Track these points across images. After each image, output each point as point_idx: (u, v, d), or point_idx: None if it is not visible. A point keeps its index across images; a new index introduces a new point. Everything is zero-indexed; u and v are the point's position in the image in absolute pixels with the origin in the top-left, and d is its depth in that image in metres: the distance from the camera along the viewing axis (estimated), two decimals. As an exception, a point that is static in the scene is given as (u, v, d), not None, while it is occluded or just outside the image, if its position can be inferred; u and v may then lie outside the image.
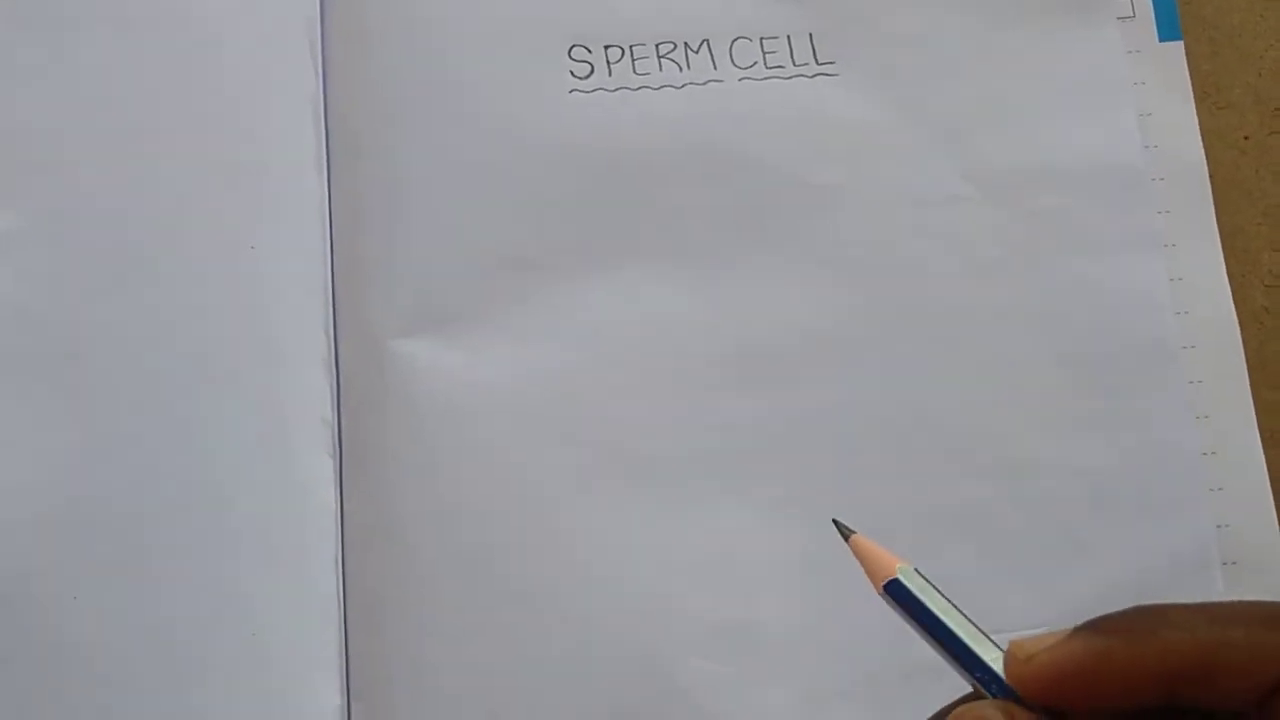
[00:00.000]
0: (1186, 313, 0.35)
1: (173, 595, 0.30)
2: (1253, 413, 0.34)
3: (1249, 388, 0.35)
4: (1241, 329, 0.35)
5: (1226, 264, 0.35)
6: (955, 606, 0.24)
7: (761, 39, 0.36)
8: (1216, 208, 0.36)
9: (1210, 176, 0.36)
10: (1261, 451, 0.34)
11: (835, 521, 0.25)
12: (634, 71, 0.35)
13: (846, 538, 0.25)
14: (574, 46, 0.35)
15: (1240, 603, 0.23)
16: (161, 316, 0.32)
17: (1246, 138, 0.37)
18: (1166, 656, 0.22)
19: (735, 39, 0.36)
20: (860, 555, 0.24)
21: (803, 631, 0.32)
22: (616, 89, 0.35)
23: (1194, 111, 0.36)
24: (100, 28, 0.34)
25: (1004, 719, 0.22)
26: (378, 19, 0.35)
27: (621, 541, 0.32)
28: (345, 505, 0.32)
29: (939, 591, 0.24)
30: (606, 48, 0.35)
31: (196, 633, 0.30)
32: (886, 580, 0.24)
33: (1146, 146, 0.36)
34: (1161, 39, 0.37)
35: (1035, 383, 0.34)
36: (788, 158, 0.35)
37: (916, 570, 0.24)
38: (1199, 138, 0.36)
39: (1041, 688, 0.23)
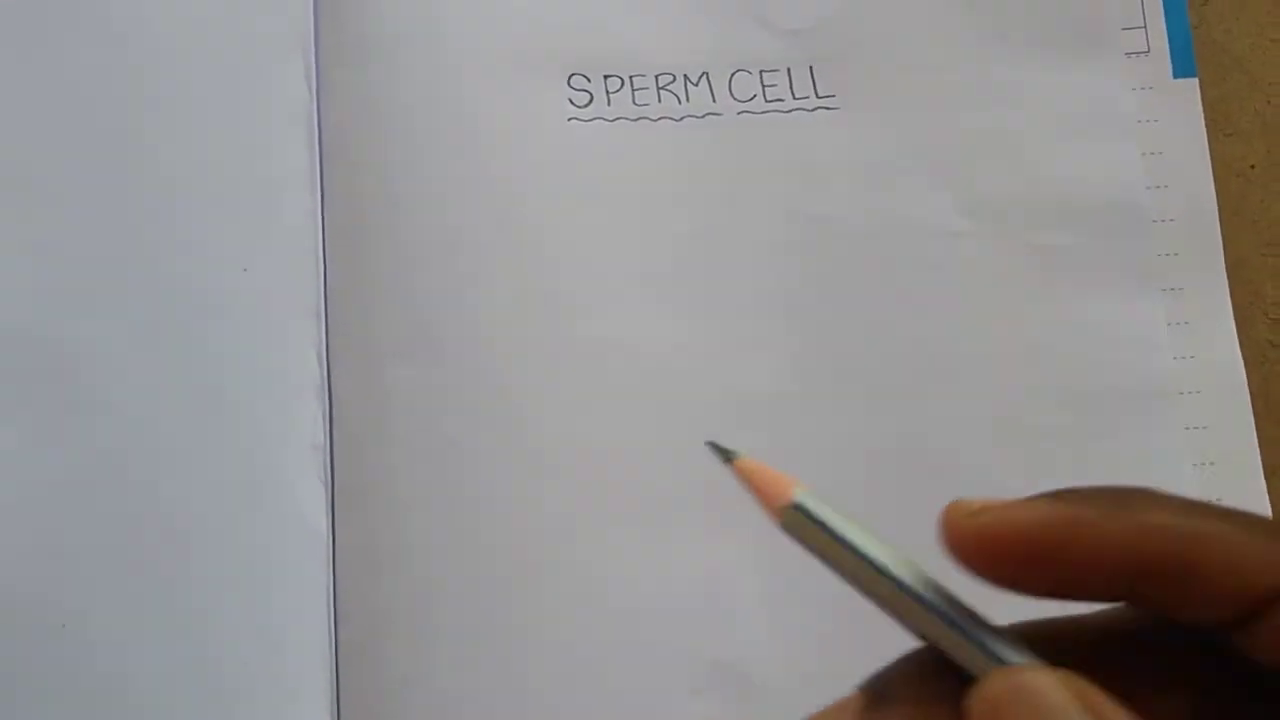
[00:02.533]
0: (1192, 357, 0.34)
1: (161, 621, 0.31)
2: (1259, 460, 0.34)
3: (1255, 434, 0.34)
4: (1245, 363, 0.34)
5: (1231, 296, 0.35)
6: (863, 530, 0.19)
7: (761, 72, 0.35)
8: (1221, 237, 0.35)
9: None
10: (1268, 499, 0.34)
11: (712, 444, 0.20)
12: (633, 102, 0.35)
13: (729, 461, 0.20)
14: (574, 75, 0.35)
15: (1236, 510, 0.19)
16: (151, 339, 0.33)
17: (1253, 166, 0.36)
18: (1145, 537, 0.18)
19: (735, 72, 0.35)
20: (749, 481, 0.20)
21: (801, 671, 0.32)
22: (615, 119, 0.35)
23: (1207, 151, 0.35)
24: (87, 43, 0.35)
25: (1057, 686, 0.17)
26: (373, 40, 0.35)
27: (616, 575, 0.32)
28: (337, 532, 0.32)
29: (839, 516, 0.19)
30: (606, 77, 0.35)
31: (184, 660, 0.31)
32: (785, 506, 0.19)
33: (1153, 187, 0.35)
34: (1176, 76, 0.36)
35: (1030, 420, 0.33)
36: (784, 191, 0.35)
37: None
38: (1211, 179, 0.35)
39: (985, 551, 0.19)
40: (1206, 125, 0.36)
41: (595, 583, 0.32)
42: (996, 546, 0.19)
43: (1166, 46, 0.36)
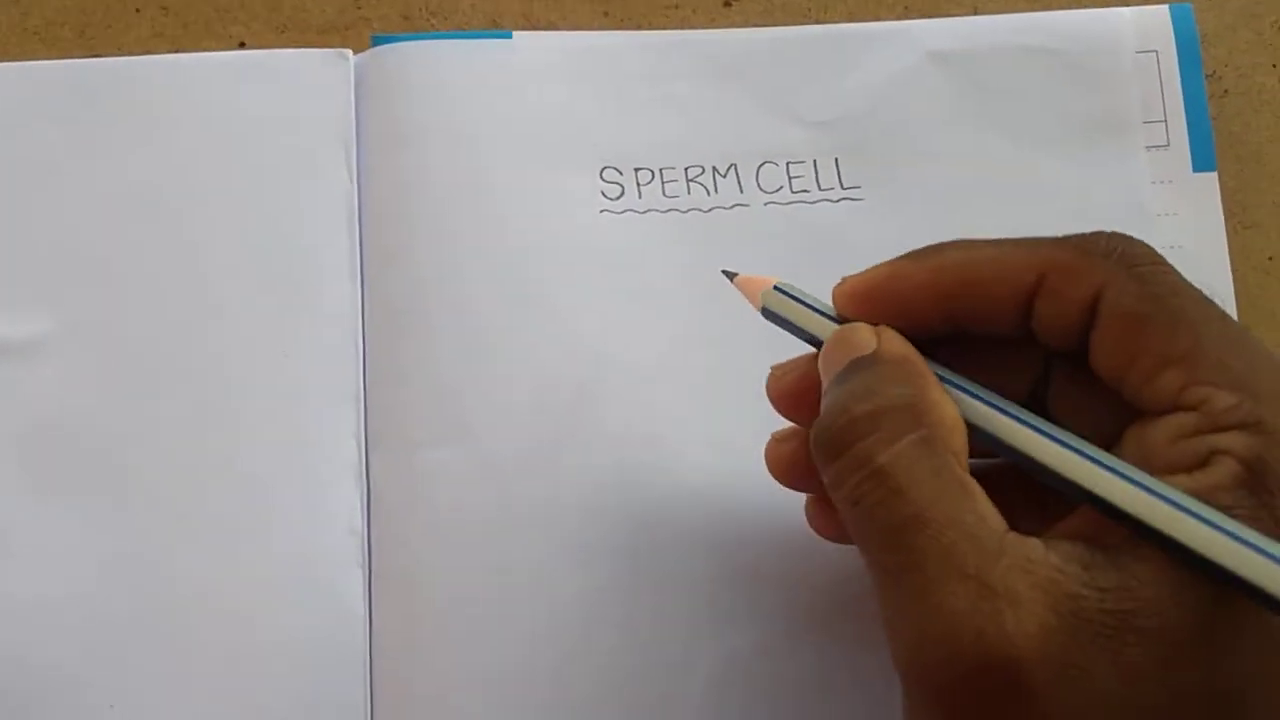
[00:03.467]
0: (1207, 448, 0.35)
1: (204, 704, 0.32)
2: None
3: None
4: (1263, 456, 0.35)
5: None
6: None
7: (788, 164, 0.36)
8: (1239, 331, 0.36)
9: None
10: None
11: (724, 271, 0.30)
12: (663, 194, 0.36)
13: (731, 279, 0.30)
14: (605, 168, 0.36)
15: (1032, 238, 0.26)
16: (192, 424, 0.34)
17: (1271, 258, 0.37)
18: (940, 271, 0.26)
19: (762, 164, 0.36)
20: (740, 287, 0.30)
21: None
22: (645, 210, 0.36)
23: (1225, 245, 0.36)
24: (131, 131, 0.36)
25: (870, 329, 0.26)
26: (413, 129, 0.36)
27: (654, 661, 0.32)
28: (374, 616, 0.33)
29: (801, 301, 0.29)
30: (637, 170, 0.36)
31: (226, 743, 0.32)
32: (765, 291, 0.29)
33: (1171, 280, 0.36)
34: (1196, 169, 0.36)
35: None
36: (810, 280, 0.35)
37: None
38: (1230, 273, 0.36)
39: (847, 301, 0.27)
40: (1225, 218, 0.36)
41: (637, 670, 0.32)
42: (851, 299, 0.27)
43: (1187, 140, 0.36)
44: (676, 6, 0.38)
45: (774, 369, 0.29)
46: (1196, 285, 0.36)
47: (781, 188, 0.36)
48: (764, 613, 0.33)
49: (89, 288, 0.35)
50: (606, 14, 0.38)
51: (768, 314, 0.29)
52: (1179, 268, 0.36)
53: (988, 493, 0.25)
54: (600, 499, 0.33)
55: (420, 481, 0.34)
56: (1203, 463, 0.23)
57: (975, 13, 0.38)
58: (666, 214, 0.36)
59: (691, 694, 0.32)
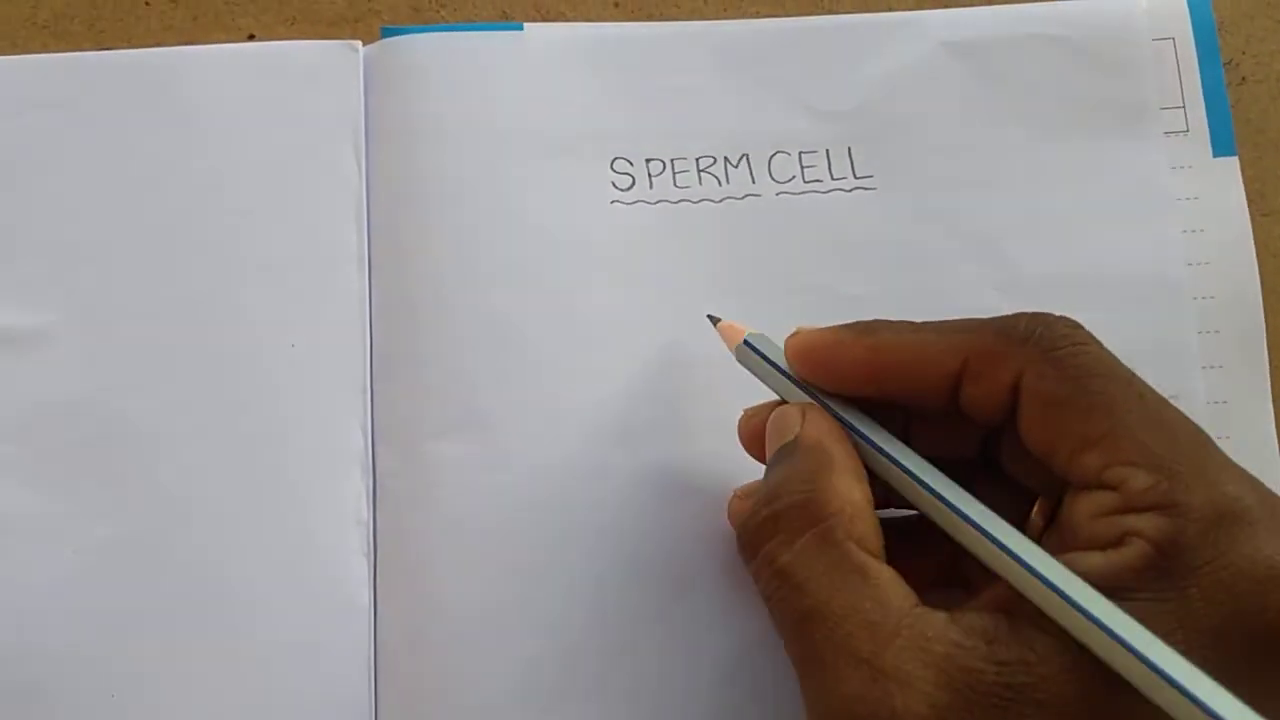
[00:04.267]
0: (1228, 438, 0.34)
1: (207, 693, 0.31)
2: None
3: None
4: (1282, 443, 0.34)
5: (1270, 374, 0.35)
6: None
7: (800, 153, 0.36)
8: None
9: (1252, 284, 0.35)
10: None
11: (709, 315, 0.32)
12: (674, 184, 0.36)
13: (715, 324, 0.32)
14: (617, 159, 0.36)
15: (960, 320, 0.27)
16: (200, 413, 0.33)
17: (1291, 246, 0.36)
18: (875, 350, 0.27)
19: (774, 154, 0.36)
20: (721, 332, 0.31)
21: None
22: (657, 201, 0.35)
23: (1249, 228, 0.35)
24: (140, 123, 0.36)
25: (798, 411, 0.28)
26: (423, 121, 0.36)
27: (662, 652, 0.32)
28: (379, 607, 0.32)
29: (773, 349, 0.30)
30: (648, 160, 0.36)
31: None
32: (739, 342, 0.30)
33: (1193, 264, 0.35)
34: (1216, 154, 0.36)
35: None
36: (822, 271, 0.35)
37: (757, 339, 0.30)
38: (1253, 257, 0.35)
39: (795, 358, 0.29)
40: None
41: (644, 657, 0.32)
42: (798, 357, 0.28)
43: (1206, 125, 0.36)
44: (687, -2, 0.38)
45: (745, 412, 0.30)
46: (1213, 274, 0.36)
47: (794, 177, 0.36)
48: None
49: (97, 278, 0.35)
50: (617, 5, 0.38)
51: (741, 360, 0.31)
52: (1201, 253, 0.36)
53: (933, 545, 0.27)
54: (610, 490, 0.33)
55: (427, 472, 0.33)
56: (1117, 542, 0.23)
57: (989, 2, 0.37)
58: (678, 204, 0.35)
59: (701, 685, 0.32)
